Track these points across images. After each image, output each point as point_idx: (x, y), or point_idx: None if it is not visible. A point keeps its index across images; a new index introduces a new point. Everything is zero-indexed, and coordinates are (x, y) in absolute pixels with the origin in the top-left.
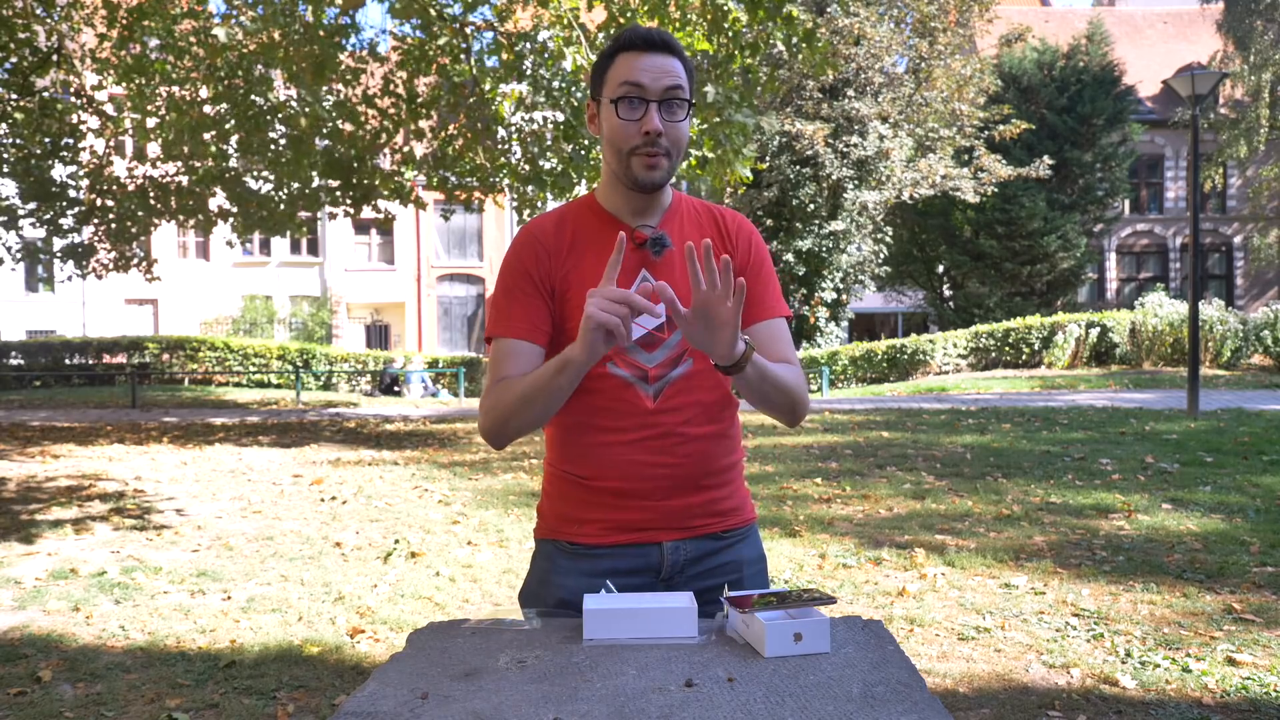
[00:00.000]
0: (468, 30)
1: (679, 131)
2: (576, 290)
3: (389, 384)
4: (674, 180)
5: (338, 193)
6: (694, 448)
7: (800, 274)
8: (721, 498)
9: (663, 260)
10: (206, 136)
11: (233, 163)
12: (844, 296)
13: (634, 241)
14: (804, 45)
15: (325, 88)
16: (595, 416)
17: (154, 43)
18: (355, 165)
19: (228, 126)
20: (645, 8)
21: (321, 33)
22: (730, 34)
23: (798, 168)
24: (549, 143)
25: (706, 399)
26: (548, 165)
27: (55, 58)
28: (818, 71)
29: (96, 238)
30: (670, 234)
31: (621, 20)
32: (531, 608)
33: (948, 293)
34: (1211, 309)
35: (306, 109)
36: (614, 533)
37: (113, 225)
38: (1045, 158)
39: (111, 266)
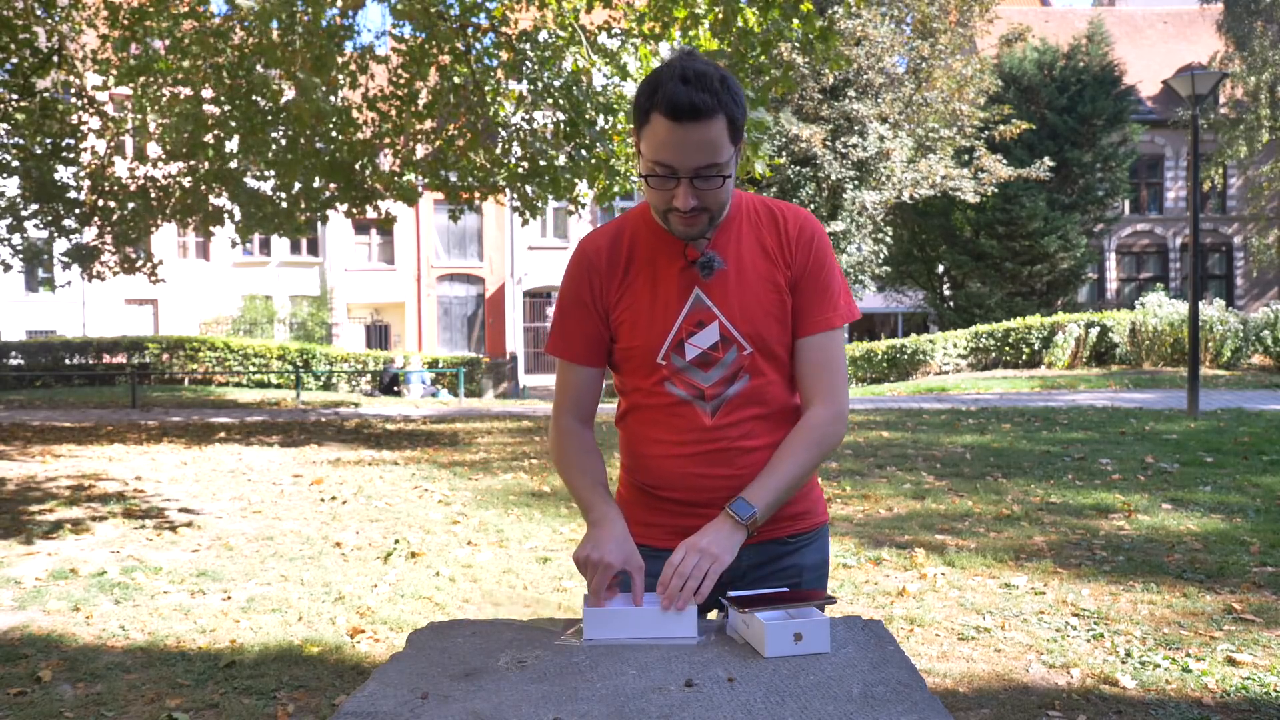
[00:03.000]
0: (469, 31)
1: (716, 196)
2: (629, 308)
3: (389, 384)
4: None
5: (338, 195)
6: (755, 458)
7: None
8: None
9: (714, 280)
10: (208, 138)
11: (233, 163)
12: None
13: (685, 259)
14: (819, 43)
15: (325, 86)
16: (656, 431)
17: (156, 43)
18: (359, 168)
19: (231, 126)
20: (650, 9)
21: (321, 32)
22: (741, 32)
23: (797, 168)
24: (549, 141)
25: (765, 412)
26: (548, 164)
27: (56, 59)
28: (832, 68)
29: (100, 239)
30: (727, 244)
31: (628, 25)
32: None
33: (948, 293)
34: (1211, 309)
35: (307, 99)
36: (678, 537)
37: (114, 226)
38: (1045, 159)
39: (117, 269)
